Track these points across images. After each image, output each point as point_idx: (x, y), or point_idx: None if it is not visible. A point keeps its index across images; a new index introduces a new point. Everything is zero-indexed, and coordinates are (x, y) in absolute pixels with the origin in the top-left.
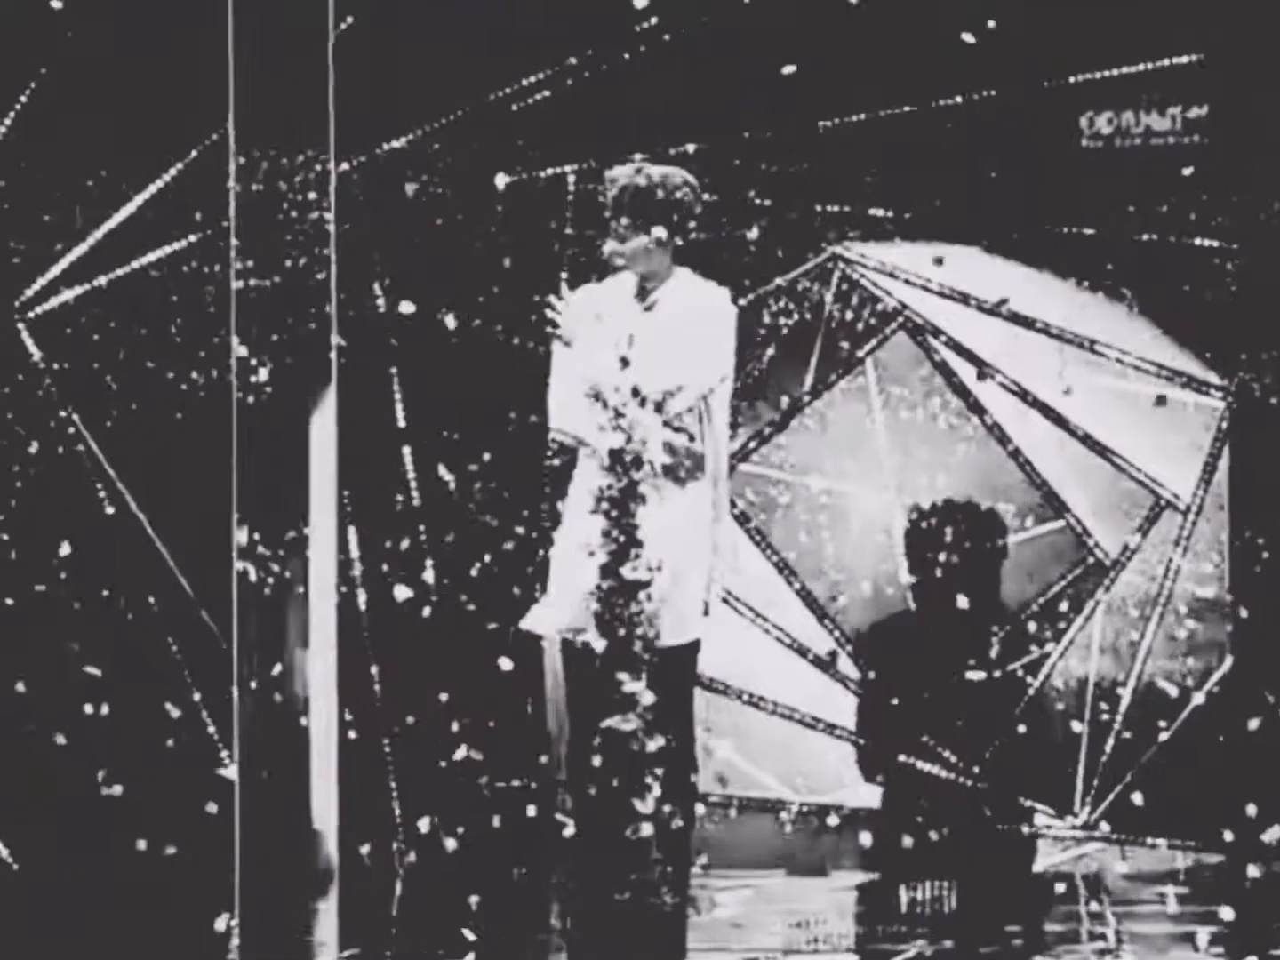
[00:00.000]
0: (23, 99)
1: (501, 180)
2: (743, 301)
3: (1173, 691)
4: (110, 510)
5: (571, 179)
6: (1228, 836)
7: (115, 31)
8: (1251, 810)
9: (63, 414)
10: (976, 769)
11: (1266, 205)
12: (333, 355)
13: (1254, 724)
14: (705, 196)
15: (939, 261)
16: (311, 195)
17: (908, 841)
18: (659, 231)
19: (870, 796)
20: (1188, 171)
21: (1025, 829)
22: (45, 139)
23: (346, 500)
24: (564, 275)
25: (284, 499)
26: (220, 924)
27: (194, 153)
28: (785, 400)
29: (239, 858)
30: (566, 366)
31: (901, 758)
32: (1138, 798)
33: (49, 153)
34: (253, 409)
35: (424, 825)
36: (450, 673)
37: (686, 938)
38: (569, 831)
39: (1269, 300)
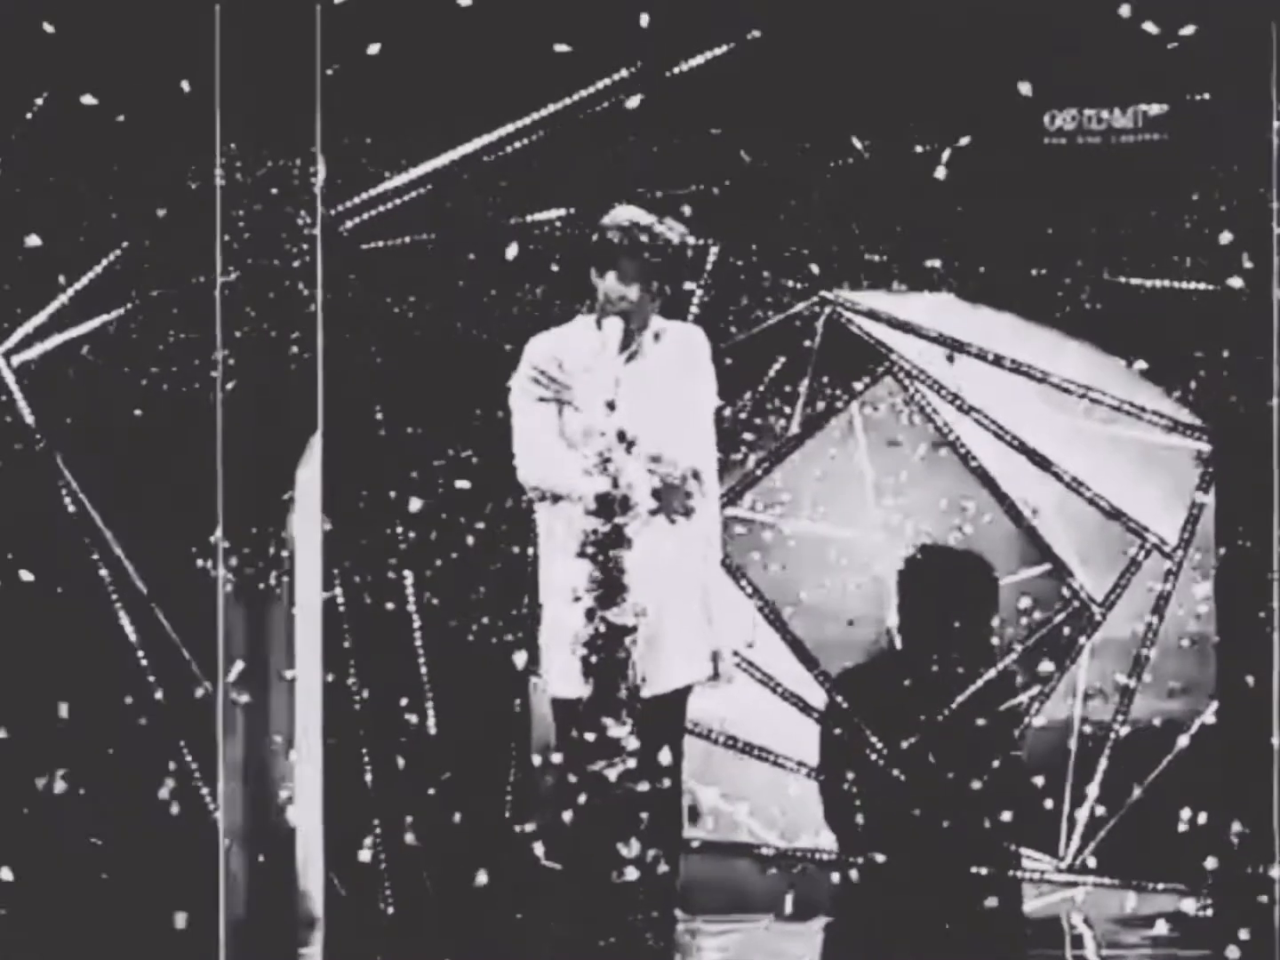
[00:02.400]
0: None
1: (513, 251)
2: (728, 345)
3: (1158, 734)
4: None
5: (558, 224)
6: (1213, 878)
7: (103, 75)
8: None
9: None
10: (958, 810)
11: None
12: (319, 395)
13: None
14: (693, 243)
15: (950, 359)
16: (298, 238)
17: (885, 885)
18: (672, 281)
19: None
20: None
21: (1010, 872)
22: (30, 183)
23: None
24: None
25: (267, 516)
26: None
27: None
28: (770, 444)
29: (223, 904)
30: (540, 417)
31: (877, 800)
32: (1123, 840)
33: (35, 196)
34: (237, 438)
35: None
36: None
37: None
38: (556, 876)
39: (1242, 339)
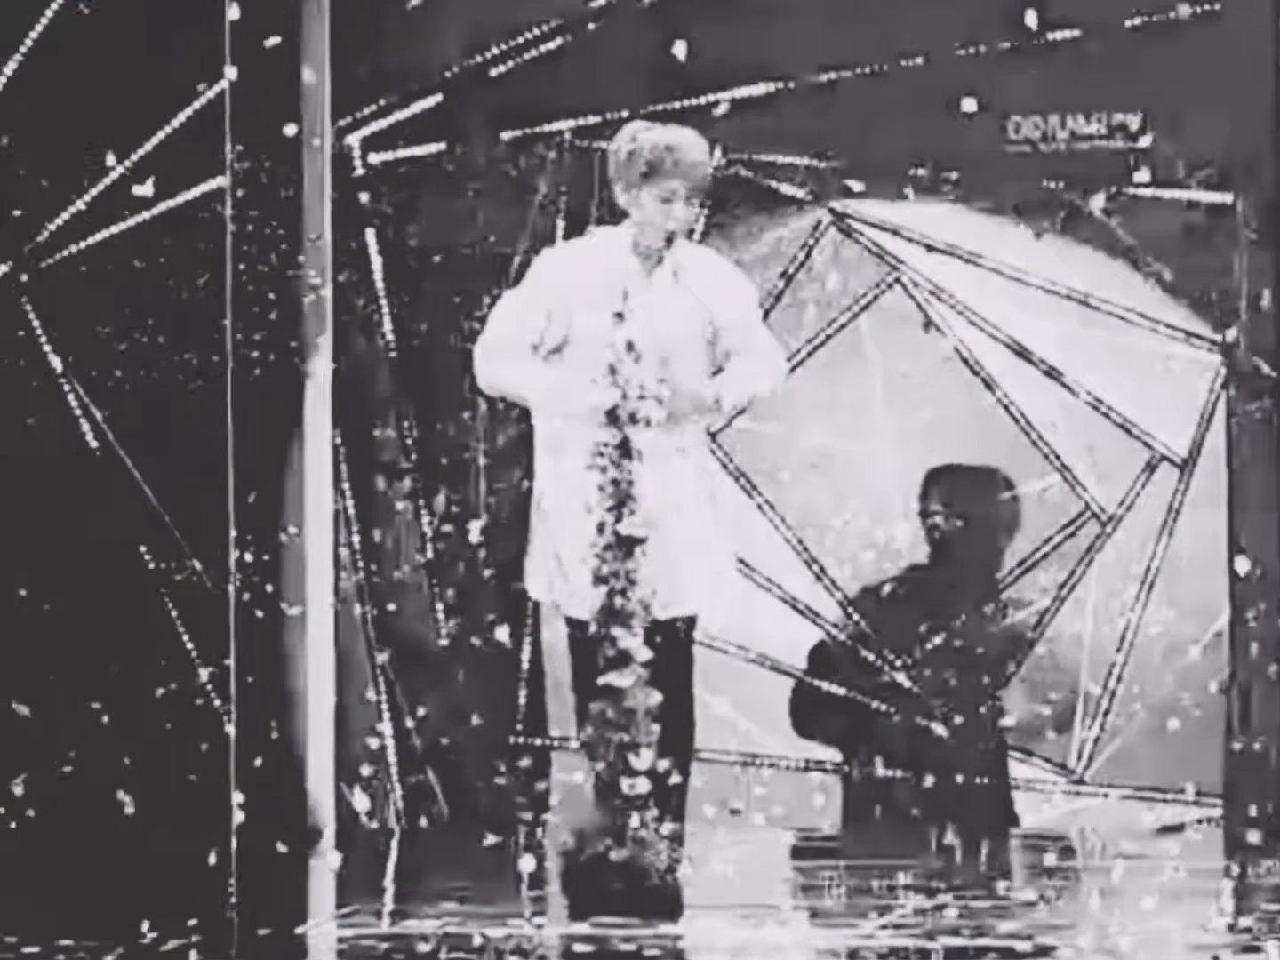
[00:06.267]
0: (21, 51)
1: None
2: (737, 258)
3: (1168, 646)
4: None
5: (568, 137)
6: (1223, 788)
7: None
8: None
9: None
10: (966, 722)
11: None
12: (327, 326)
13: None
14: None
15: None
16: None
17: (890, 795)
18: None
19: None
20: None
21: (1009, 781)
22: (46, 90)
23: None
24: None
25: (276, 487)
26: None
27: (190, 109)
28: None
29: (235, 817)
30: (524, 328)
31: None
32: (1133, 752)
33: (51, 104)
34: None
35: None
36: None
37: (683, 893)
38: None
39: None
